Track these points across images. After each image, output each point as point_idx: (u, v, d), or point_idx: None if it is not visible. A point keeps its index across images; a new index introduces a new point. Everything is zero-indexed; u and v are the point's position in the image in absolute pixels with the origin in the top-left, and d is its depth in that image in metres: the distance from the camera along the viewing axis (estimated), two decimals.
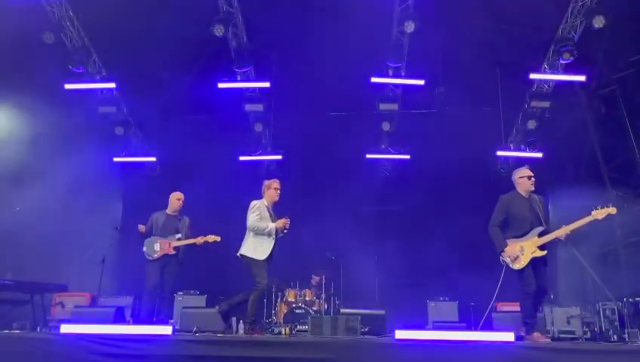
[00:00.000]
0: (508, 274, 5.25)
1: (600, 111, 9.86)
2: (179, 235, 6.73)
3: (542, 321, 5.69)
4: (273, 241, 5.73)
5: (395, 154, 9.97)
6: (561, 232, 5.18)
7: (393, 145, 10.01)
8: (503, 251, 5.25)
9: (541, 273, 5.21)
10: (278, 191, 6.01)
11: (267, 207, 5.89)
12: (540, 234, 5.21)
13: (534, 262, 5.20)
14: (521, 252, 5.18)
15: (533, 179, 5.41)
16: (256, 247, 5.72)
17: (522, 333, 5.17)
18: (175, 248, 6.67)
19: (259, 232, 5.71)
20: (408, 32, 8.18)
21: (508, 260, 5.22)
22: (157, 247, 6.65)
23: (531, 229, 5.25)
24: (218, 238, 6.83)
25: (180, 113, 9.60)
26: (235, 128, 10.16)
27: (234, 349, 4.34)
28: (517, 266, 5.19)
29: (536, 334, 5.07)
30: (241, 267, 9.15)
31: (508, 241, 5.26)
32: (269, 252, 5.71)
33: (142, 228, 6.70)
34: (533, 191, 5.44)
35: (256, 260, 5.64)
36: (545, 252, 5.19)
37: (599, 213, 5.14)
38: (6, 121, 8.83)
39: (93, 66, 9.12)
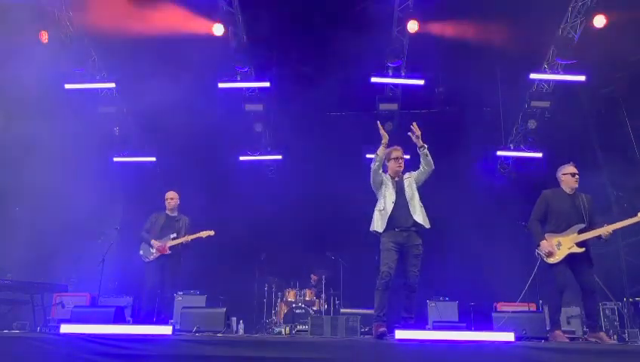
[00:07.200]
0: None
1: (600, 111, 9.86)
2: (174, 235, 6.73)
3: (543, 321, 5.69)
4: None
5: None
6: (602, 231, 5.09)
7: (393, 145, 10.01)
8: (538, 245, 5.25)
9: (584, 273, 5.14)
10: (399, 161, 5.31)
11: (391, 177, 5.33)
12: (581, 231, 5.15)
13: (578, 262, 5.14)
14: (557, 247, 5.15)
15: (577, 176, 5.32)
16: None
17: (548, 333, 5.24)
18: (171, 248, 6.67)
19: None
20: (411, 32, 8.18)
21: (542, 253, 5.20)
22: (152, 250, 6.67)
23: (568, 226, 5.19)
24: (212, 233, 6.84)
25: (180, 113, 9.58)
26: (235, 128, 10.17)
27: (234, 349, 4.33)
28: (550, 260, 5.16)
29: (557, 332, 5.09)
30: (241, 266, 9.20)
31: (546, 236, 5.23)
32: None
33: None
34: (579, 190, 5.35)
35: None
36: (582, 249, 5.11)
37: None
38: (5, 121, 8.83)
39: (93, 66, 9.14)
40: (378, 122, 5.53)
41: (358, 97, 9.92)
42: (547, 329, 5.31)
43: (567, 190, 5.37)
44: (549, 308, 5.36)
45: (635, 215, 5.08)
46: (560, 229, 5.22)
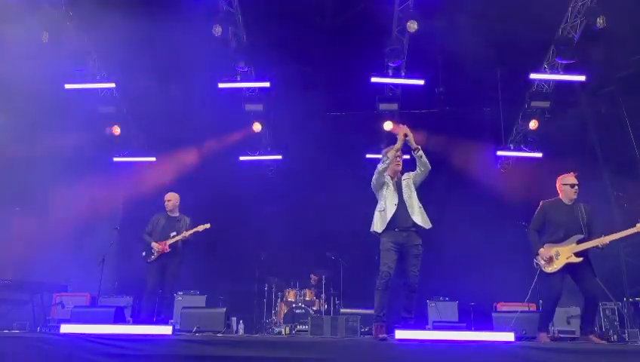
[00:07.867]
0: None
1: (600, 111, 9.85)
2: (173, 233, 6.73)
3: None
4: None
5: None
6: (600, 242, 5.08)
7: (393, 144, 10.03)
8: (537, 254, 5.26)
9: (587, 280, 5.13)
10: (397, 160, 5.30)
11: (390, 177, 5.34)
12: (579, 242, 5.15)
13: (578, 270, 5.13)
14: (555, 256, 5.15)
15: (577, 187, 5.29)
16: None
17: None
18: (171, 246, 6.67)
19: None
20: (411, 31, 8.17)
21: (542, 262, 5.21)
22: (153, 251, 6.68)
23: (565, 236, 5.19)
24: (208, 225, 6.84)
25: (180, 112, 9.59)
26: (235, 128, 10.17)
27: (234, 349, 4.34)
28: (549, 269, 5.16)
29: (542, 334, 5.15)
30: (240, 266, 9.20)
31: (545, 246, 5.24)
32: None
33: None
34: (577, 200, 5.32)
35: None
36: (580, 259, 5.09)
37: None
38: (5, 121, 8.84)
39: (93, 66, 9.13)
40: (403, 126, 5.36)
41: (358, 97, 9.91)
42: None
43: (566, 201, 5.36)
44: (542, 313, 5.42)
45: (634, 226, 5.06)
46: (558, 240, 5.23)
